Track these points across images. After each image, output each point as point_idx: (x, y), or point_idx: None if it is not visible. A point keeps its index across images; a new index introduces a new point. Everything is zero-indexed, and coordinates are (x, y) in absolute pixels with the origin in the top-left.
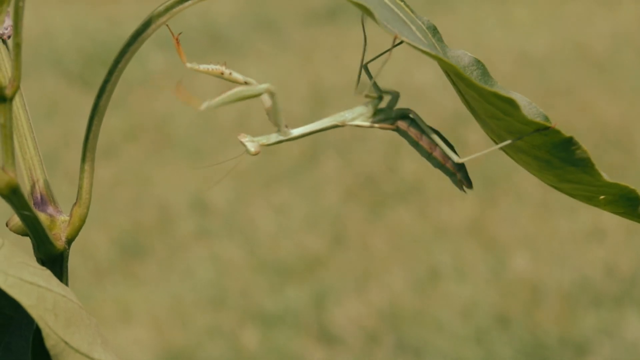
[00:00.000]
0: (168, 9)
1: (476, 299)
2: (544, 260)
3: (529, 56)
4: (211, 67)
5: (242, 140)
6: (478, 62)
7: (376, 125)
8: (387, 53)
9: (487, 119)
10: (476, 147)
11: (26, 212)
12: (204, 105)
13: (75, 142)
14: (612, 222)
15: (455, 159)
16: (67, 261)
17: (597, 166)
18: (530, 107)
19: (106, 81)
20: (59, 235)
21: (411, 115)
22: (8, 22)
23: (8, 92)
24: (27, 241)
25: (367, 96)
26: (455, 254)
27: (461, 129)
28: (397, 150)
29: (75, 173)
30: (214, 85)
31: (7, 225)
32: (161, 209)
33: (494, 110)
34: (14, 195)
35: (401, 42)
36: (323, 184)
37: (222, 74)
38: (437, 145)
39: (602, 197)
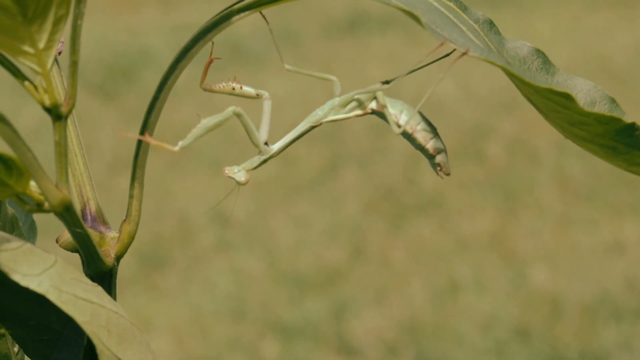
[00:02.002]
0: (215, 25)
1: (496, 312)
2: (564, 273)
3: None
4: (222, 85)
5: (229, 174)
6: (538, 51)
7: (351, 114)
8: (447, 60)
9: (548, 113)
10: (496, 159)
11: (78, 229)
12: (178, 146)
13: (97, 153)
14: (632, 235)
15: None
16: (115, 277)
17: None
18: (595, 90)
19: (155, 98)
20: (108, 251)
21: (380, 95)
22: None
23: (64, 109)
24: (75, 257)
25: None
26: (476, 267)
27: (481, 142)
28: (417, 163)
29: (97, 184)
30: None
31: (57, 242)
32: (181, 220)
33: (552, 105)
34: (67, 213)
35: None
36: (343, 196)
37: (234, 89)
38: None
39: None
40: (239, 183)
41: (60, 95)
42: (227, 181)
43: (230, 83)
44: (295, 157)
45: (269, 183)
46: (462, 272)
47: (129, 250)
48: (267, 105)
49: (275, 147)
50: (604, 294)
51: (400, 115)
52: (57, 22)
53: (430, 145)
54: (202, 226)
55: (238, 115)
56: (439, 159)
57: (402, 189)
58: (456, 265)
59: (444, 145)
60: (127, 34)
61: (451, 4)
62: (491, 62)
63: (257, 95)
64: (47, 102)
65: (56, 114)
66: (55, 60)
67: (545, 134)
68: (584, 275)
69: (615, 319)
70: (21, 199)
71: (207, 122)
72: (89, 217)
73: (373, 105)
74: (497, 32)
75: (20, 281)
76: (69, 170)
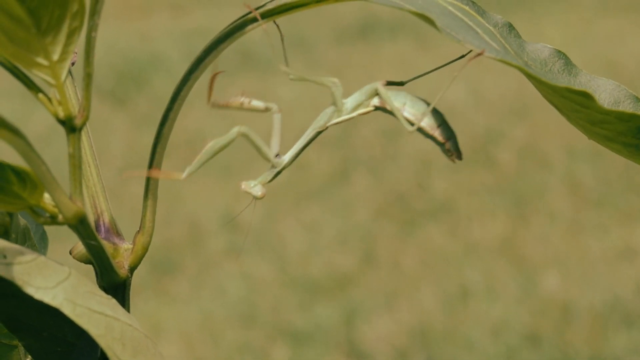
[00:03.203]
0: (228, 36)
1: (507, 318)
2: (574, 279)
3: None
4: (231, 100)
5: (246, 190)
6: (559, 53)
7: (354, 114)
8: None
9: (569, 113)
10: (506, 165)
11: (92, 242)
12: (185, 174)
13: (107, 158)
14: None
15: (428, 107)
16: (129, 289)
17: None
18: (619, 90)
19: (169, 109)
20: (122, 263)
21: (381, 89)
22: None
23: (78, 122)
24: (88, 268)
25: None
26: (486, 272)
27: (492, 147)
28: (428, 169)
29: (108, 190)
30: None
31: (70, 254)
32: (192, 225)
33: (572, 104)
34: (81, 225)
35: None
36: (354, 201)
37: (242, 104)
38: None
39: None
40: (255, 197)
41: (74, 106)
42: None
43: (239, 98)
44: (305, 163)
45: (280, 188)
46: (472, 277)
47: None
48: (277, 118)
49: (287, 157)
50: (615, 299)
51: (404, 107)
52: (71, 34)
53: (438, 133)
54: (213, 231)
55: (244, 134)
56: (448, 145)
57: (413, 195)
58: (467, 270)
59: (452, 131)
60: (138, 39)
61: (467, 8)
62: (508, 63)
63: (267, 108)
64: (62, 115)
65: (70, 126)
66: (69, 70)
67: (555, 140)
68: (595, 280)
69: (626, 324)
70: (35, 211)
71: (212, 145)
72: (102, 229)
73: (375, 101)
74: (517, 35)
75: (34, 294)
76: (83, 181)
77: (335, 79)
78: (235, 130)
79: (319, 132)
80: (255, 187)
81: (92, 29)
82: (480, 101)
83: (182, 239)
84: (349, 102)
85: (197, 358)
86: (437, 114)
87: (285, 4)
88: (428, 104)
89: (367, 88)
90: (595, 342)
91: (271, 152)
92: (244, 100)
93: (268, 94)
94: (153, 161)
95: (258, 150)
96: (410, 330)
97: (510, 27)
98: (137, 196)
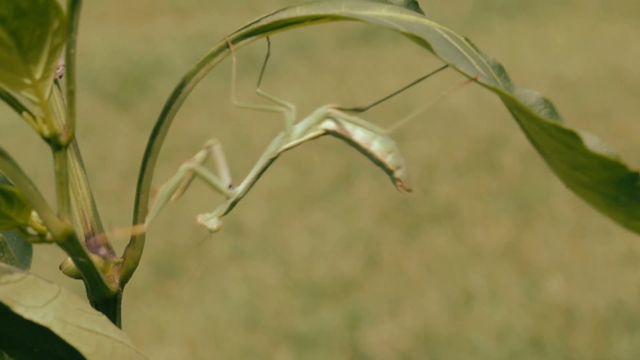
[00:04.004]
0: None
1: (510, 323)
2: (578, 284)
3: (564, 79)
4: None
5: (201, 222)
6: (546, 101)
7: (304, 138)
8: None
9: (552, 155)
10: (510, 169)
11: (81, 259)
12: (145, 226)
13: (111, 162)
14: None
15: (382, 132)
16: (120, 303)
17: None
18: (601, 145)
19: (159, 123)
20: (112, 277)
21: (332, 114)
22: (60, 61)
23: (63, 139)
24: (79, 283)
25: (273, 110)
26: (490, 277)
27: (495, 152)
28: (432, 173)
29: (111, 194)
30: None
31: (60, 269)
32: (195, 229)
33: (557, 144)
34: (70, 243)
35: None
36: (357, 206)
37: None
38: (371, 139)
39: None
40: (211, 231)
41: (60, 124)
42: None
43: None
44: (309, 167)
45: (283, 192)
46: (476, 282)
47: (143, 258)
48: (217, 150)
49: (241, 187)
50: (619, 304)
51: (355, 130)
52: (53, 52)
53: (388, 160)
54: (216, 235)
55: (192, 171)
56: (398, 174)
57: (416, 199)
58: (470, 275)
59: (404, 160)
60: (142, 43)
61: (462, 38)
62: (500, 93)
63: (207, 148)
64: (46, 133)
65: (56, 144)
66: (56, 83)
67: None
68: (599, 285)
69: (630, 329)
70: (23, 230)
71: (164, 189)
72: (92, 243)
73: (326, 124)
74: (507, 78)
75: (24, 314)
76: (72, 194)
77: (291, 104)
78: (183, 168)
79: (272, 160)
80: (210, 220)
81: (70, 46)
82: (483, 106)
83: (186, 243)
84: (299, 127)
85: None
86: (389, 141)
87: (280, 20)
88: (380, 130)
89: (318, 112)
90: (598, 346)
91: (223, 184)
92: (190, 166)
93: (277, 97)
94: (143, 175)
95: (209, 184)
96: (414, 334)
97: (501, 68)
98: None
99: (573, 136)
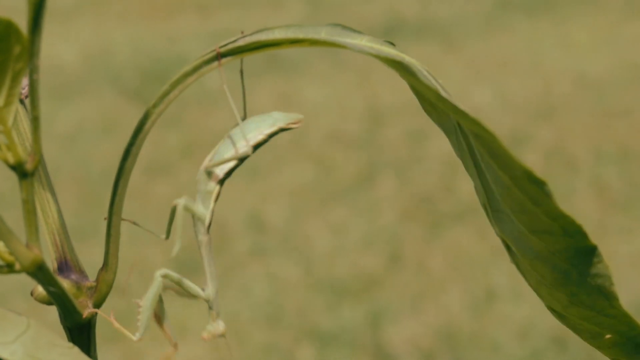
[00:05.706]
0: (195, 70)
1: (533, 320)
2: None
3: (587, 77)
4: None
5: (209, 336)
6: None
7: (209, 209)
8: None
9: (513, 215)
10: (533, 167)
11: (52, 288)
12: (137, 336)
13: None
14: None
15: (202, 295)
16: (94, 328)
17: (616, 288)
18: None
19: (130, 144)
20: (85, 302)
21: (187, 205)
22: (25, 81)
23: (29, 166)
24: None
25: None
26: (512, 274)
27: (518, 150)
28: (454, 171)
29: (134, 188)
30: (270, 102)
31: (31, 295)
32: (217, 226)
33: (522, 198)
34: (39, 272)
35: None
36: (380, 203)
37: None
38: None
39: (608, 336)
40: (223, 335)
41: (27, 149)
42: (263, 187)
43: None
44: (331, 164)
45: (305, 189)
46: (499, 280)
47: (165, 255)
48: (171, 277)
49: (210, 287)
50: None
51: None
52: (15, 78)
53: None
54: (239, 232)
55: (166, 277)
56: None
57: (439, 197)
58: (493, 273)
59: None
60: (164, 40)
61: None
62: (478, 125)
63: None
64: (11, 160)
65: (21, 172)
66: (23, 103)
67: (582, 142)
68: (621, 283)
69: None
70: None
71: (146, 302)
72: (64, 266)
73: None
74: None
75: None
76: (42, 218)
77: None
78: (158, 276)
79: (209, 246)
80: (214, 327)
81: (33, 71)
82: (506, 103)
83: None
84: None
85: (222, 359)
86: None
87: (258, 42)
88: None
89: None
90: None
91: (197, 290)
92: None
93: (294, 95)
94: (115, 197)
95: (185, 290)
96: (436, 332)
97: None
98: (162, 196)
99: (543, 187)
